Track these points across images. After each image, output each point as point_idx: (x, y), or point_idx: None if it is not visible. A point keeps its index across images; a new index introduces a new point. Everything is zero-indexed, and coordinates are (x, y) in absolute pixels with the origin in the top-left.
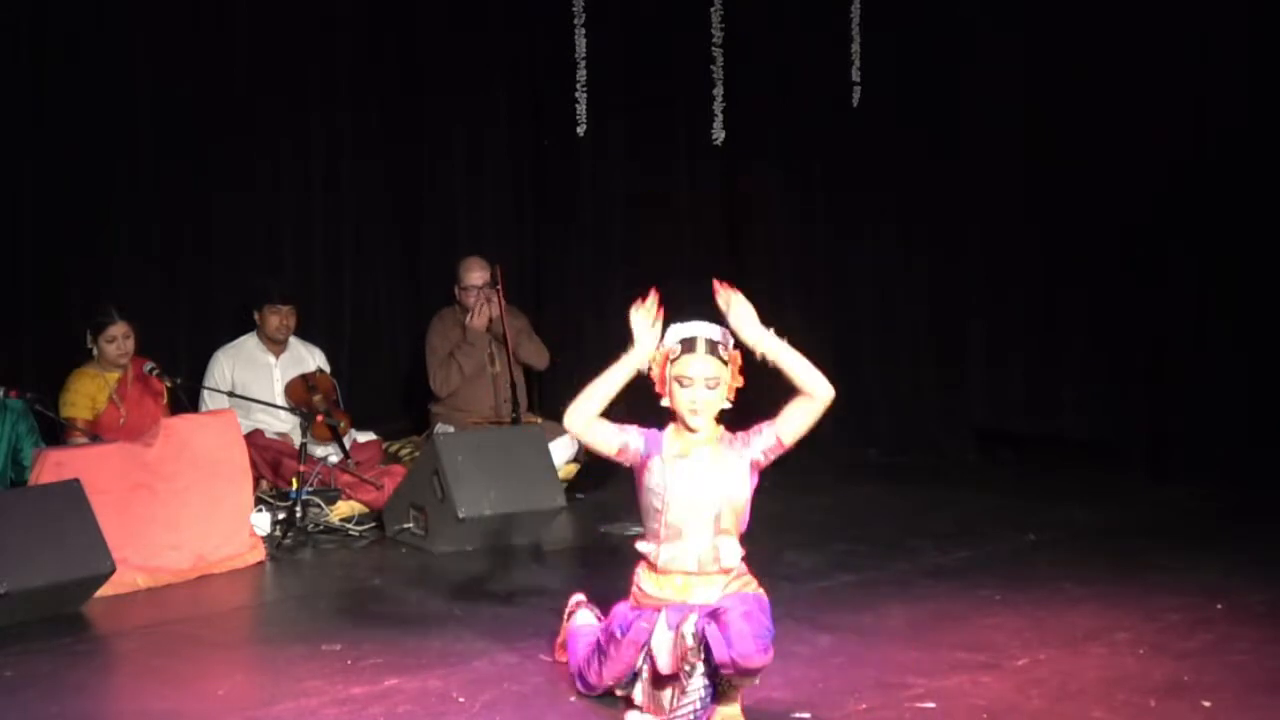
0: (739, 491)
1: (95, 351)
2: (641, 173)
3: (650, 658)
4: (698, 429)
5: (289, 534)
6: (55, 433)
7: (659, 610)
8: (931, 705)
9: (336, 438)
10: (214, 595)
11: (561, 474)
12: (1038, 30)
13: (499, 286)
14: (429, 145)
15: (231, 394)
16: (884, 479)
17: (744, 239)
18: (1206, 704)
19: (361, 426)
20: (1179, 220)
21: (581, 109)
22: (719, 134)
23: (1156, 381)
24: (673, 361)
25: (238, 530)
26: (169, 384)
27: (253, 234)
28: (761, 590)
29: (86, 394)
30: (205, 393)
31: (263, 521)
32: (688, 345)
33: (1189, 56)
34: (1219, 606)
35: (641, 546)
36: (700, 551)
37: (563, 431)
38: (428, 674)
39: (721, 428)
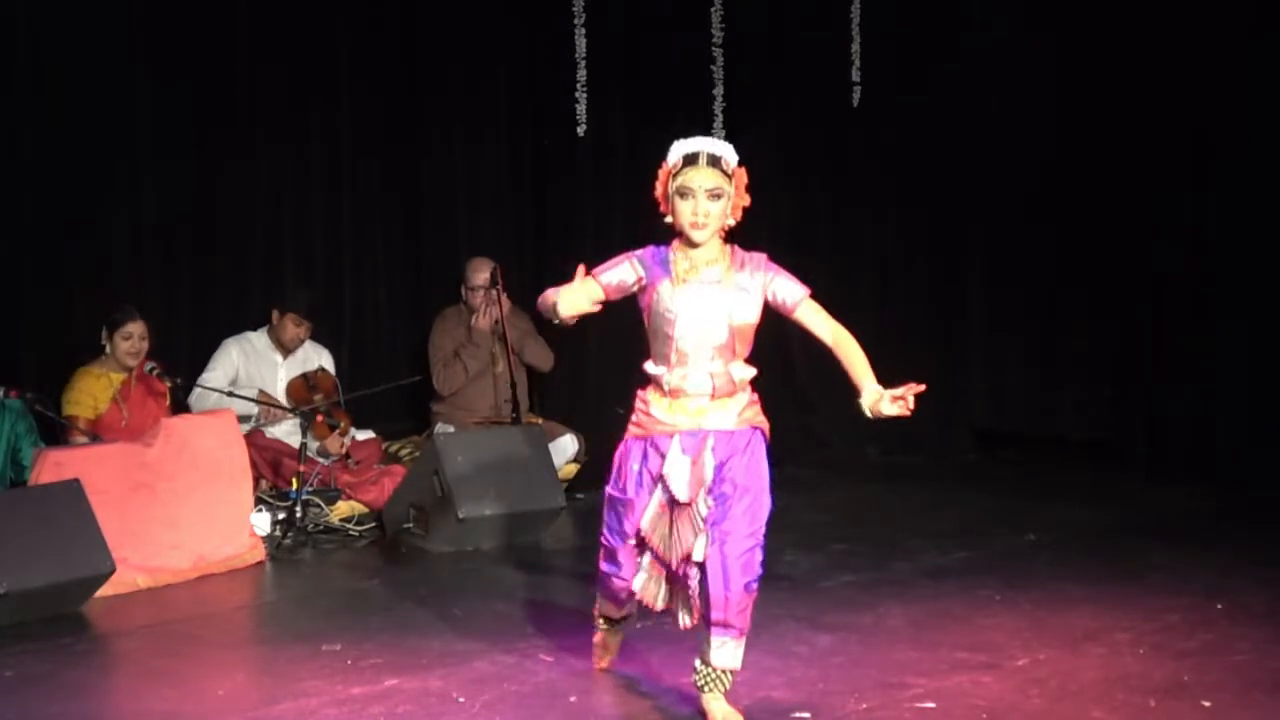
0: (750, 316)
1: (108, 348)
2: (641, 173)
3: (667, 495)
4: (701, 242)
5: (289, 534)
6: (55, 433)
7: (671, 436)
8: (931, 705)
9: (339, 437)
10: (214, 595)
11: (561, 474)
12: (1037, 30)
13: (499, 286)
14: (429, 145)
15: (232, 393)
16: (884, 479)
17: (743, 238)
18: (1206, 704)
19: (361, 426)
20: (1180, 220)
21: (581, 109)
22: (719, 134)
23: (1156, 381)
24: (675, 176)
25: (238, 530)
26: (170, 384)
27: (253, 234)
28: (764, 421)
29: (89, 393)
30: (209, 372)
31: (263, 521)
32: (690, 159)
33: (1189, 57)
34: (1219, 606)
35: (650, 369)
36: (713, 375)
37: (563, 431)
38: (428, 674)
39: (729, 246)
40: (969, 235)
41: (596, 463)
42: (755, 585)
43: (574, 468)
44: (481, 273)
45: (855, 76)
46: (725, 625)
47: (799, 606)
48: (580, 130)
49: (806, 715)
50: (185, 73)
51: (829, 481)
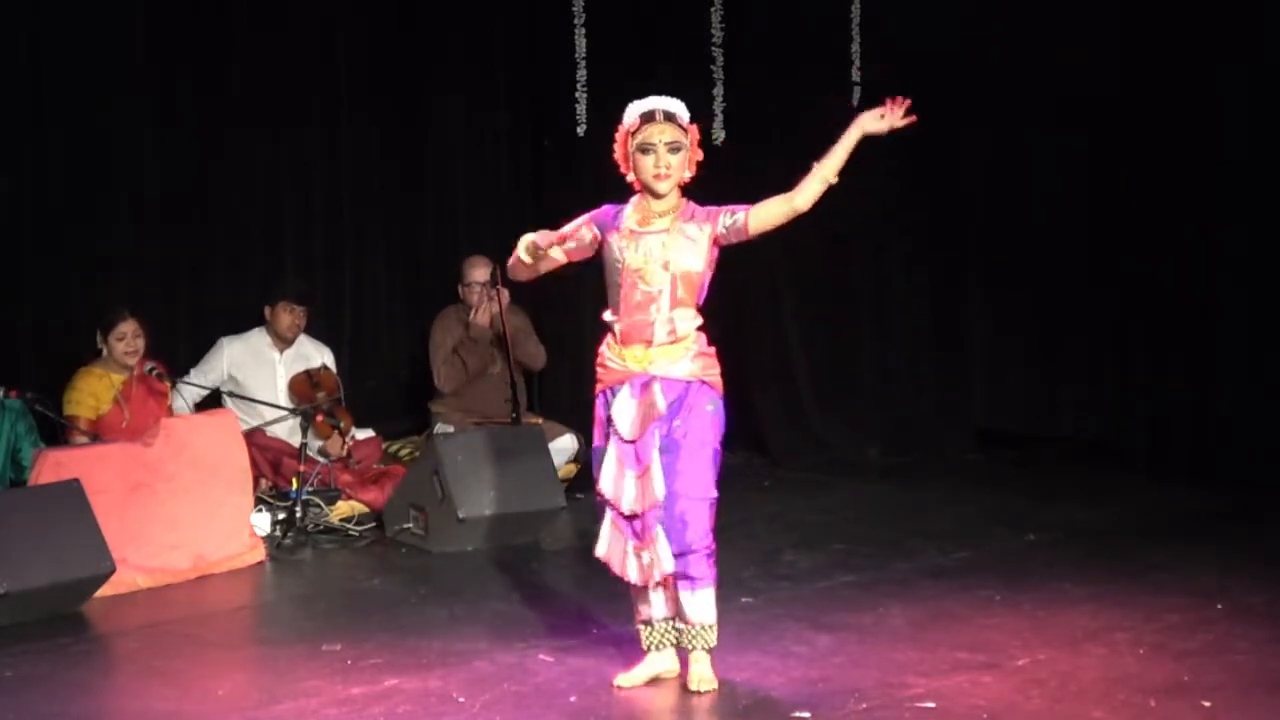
0: (694, 264)
1: (105, 351)
2: None
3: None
4: (664, 193)
5: (289, 534)
6: (55, 433)
7: (624, 383)
8: (931, 705)
9: (340, 436)
10: (214, 595)
11: (561, 474)
12: (1038, 29)
13: (499, 286)
14: (429, 145)
15: (232, 394)
16: (884, 479)
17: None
18: (1206, 704)
19: (361, 426)
20: (1179, 219)
21: (581, 109)
22: (719, 134)
23: (1156, 381)
24: (634, 134)
25: (238, 530)
26: (170, 384)
27: (253, 234)
28: (717, 377)
29: (91, 393)
30: (197, 369)
31: (263, 521)
32: (646, 116)
33: (1190, 56)
34: (1219, 606)
35: (607, 317)
36: (655, 323)
37: (563, 431)
38: (428, 674)
39: (684, 200)
40: (969, 235)
41: None
42: (711, 539)
43: (574, 468)
44: (478, 270)
45: (855, 76)
46: (686, 578)
47: (799, 606)
48: (580, 130)
49: (806, 715)
50: (185, 73)
51: (829, 481)
